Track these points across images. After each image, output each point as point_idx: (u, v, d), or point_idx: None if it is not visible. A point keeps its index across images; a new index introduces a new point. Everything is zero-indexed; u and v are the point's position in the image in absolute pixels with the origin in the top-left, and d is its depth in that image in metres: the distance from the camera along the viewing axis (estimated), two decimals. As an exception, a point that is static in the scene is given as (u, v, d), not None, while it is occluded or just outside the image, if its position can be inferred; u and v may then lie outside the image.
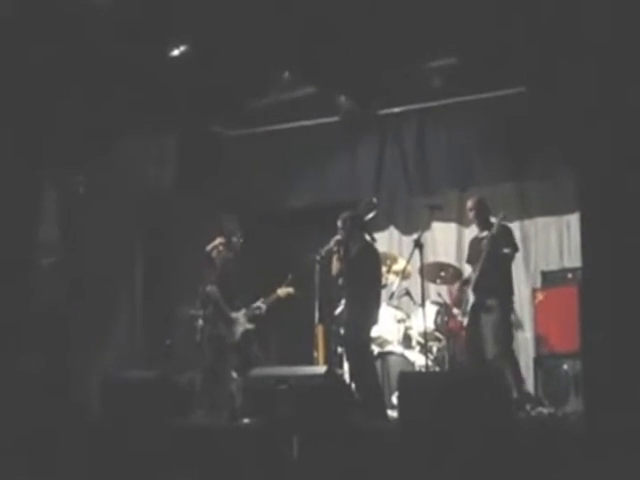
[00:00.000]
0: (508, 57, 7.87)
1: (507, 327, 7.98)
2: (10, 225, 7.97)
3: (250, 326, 8.52)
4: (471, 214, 8.32)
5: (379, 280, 8.01)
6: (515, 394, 7.52)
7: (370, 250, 7.93)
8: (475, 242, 8.32)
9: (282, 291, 8.73)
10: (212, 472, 6.03)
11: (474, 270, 8.11)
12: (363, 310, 7.67)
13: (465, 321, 8.09)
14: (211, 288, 8.45)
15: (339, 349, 8.24)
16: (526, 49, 7.71)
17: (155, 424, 6.68)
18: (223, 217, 9.40)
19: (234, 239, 8.72)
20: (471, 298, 8.03)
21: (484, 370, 7.67)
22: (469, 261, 8.43)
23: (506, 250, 7.95)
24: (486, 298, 7.93)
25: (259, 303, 8.67)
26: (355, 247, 7.83)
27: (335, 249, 7.91)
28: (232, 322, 8.44)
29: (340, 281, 7.93)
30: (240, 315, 8.51)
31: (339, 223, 7.87)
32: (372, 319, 7.76)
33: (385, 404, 7.77)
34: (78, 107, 8.13)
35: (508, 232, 8.17)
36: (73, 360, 8.36)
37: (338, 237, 7.88)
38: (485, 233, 8.10)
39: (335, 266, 7.94)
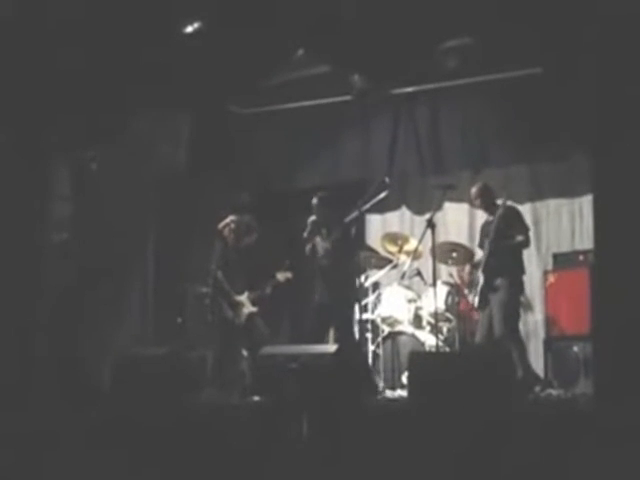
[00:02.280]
0: (523, 38, 7.81)
1: (515, 307, 7.96)
2: (21, 202, 7.98)
3: (254, 309, 8.50)
4: (477, 202, 8.28)
5: (356, 258, 8.24)
6: (520, 374, 7.51)
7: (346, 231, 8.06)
8: (485, 227, 8.30)
9: (281, 275, 8.73)
10: (222, 449, 6.06)
11: (484, 254, 8.11)
12: (343, 288, 7.88)
13: (476, 302, 8.09)
14: (217, 272, 8.42)
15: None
16: (541, 30, 7.65)
17: (166, 401, 6.72)
18: (235, 196, 9.39)
19: (246, 218, 8.70)
20: (481, 280, 8.02)
21: (493, 351, 7.68)
22: (480, 245, 8.41)
23: (520, 237, 7.90)
24: (494, 278, 7.92)
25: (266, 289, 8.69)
26: (332, 228, 7.99)
27: (310, 230, 8.03)
28: (237, 305, 8.43)
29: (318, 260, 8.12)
30: (244, 298, 8.49)
31: (314, 202, 8.03)
32: (353, 296, 8.02)
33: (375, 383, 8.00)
34: (90, 84, 8.12)
35: (515, 213, 8.11)
36: (85, 338, 8.39)
37: (313, 218, 7.98)
38: (492, 218, 8.08)
39: (308, 247, 8.08)
